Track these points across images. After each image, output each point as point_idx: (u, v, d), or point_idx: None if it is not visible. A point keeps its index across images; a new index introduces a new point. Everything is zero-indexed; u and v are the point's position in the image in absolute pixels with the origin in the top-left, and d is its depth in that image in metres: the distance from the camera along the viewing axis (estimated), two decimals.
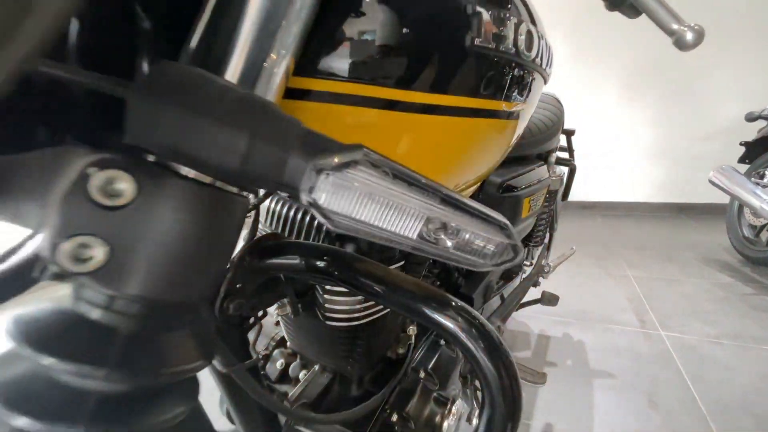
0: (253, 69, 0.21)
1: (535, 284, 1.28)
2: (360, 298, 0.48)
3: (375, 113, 0.32)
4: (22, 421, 0.15)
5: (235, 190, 0.21)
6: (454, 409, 0.61)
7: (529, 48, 0.38)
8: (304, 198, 0.17)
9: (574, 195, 3.81)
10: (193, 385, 0.22)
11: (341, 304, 0.48)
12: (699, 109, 3.52)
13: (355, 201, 0.17)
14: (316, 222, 0.46)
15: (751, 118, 2.53)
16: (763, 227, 2.40)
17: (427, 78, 0.32)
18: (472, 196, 0.71)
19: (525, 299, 1.32)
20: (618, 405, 1.23)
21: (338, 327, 0.52)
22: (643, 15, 0.38)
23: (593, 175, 3.85)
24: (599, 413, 1.20)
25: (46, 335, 0.15)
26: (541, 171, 1.02)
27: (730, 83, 3.39)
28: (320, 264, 0.34)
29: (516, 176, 0.85)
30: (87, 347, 0.16)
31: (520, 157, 1.00)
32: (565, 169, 1.37)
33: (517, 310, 1.39)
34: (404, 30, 0.30)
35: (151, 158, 0.17)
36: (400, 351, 0.66)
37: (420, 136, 0.35)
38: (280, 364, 0.66)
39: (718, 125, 3.46)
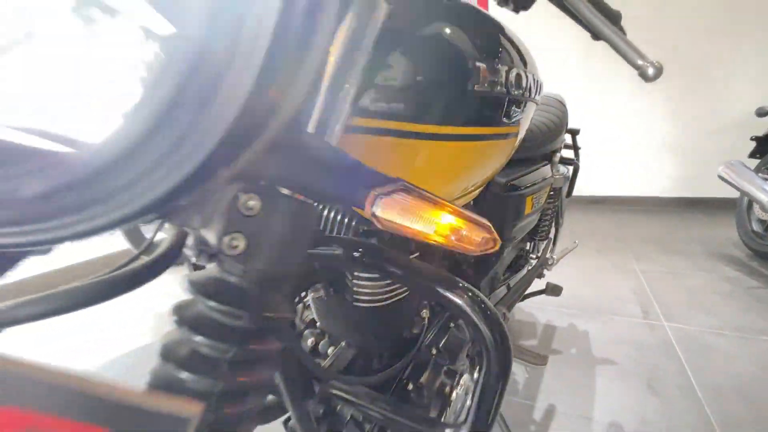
0: (330, 119, 0.30)
1: (540, 276, 1.36)
2: (383, 282, 0.58)
3: (401, 141, 0.42)
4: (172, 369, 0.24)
5: (315, 203, 0.30)
6: (462, 381, 0.70)
7: (518, 87, 0.47)
8: (368, 211, 0.26)
9: (585, 190, 3.85)
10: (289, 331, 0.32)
11: (368, 288, 0.58)
12: (711, 103, 3.51)
13: (396, 212, 0.26)
14: (347, 220, 0.55)
15: (761, 113, 2.54)
16: None
17: (439, 114, 0.41)
18: (478, 196, 0.80)
19: (531, 290, 1.40)
20: (618, 390, 1.31)
21: (364, 308, 0.61)
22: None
23: (604, 170, 3.87)
24: (599, 397, 1.28)
25: (210, 290, 0.25)
26: (544, 170, 1.10)
27: (743, 78, 3.38)
28: (354, 254, 0.44)
29: (520, 176, 0.93)
30: (231, 297, 0.25)
31: (525, 158, 1.08)
32: (570, 168, 1.44)
33: (523, 300, 1.48)
34: (419, 78, 0.39)
35: (270, 185, 0.27)
36: (415, 331, 0.75)
37: (436, 157, 0.45)
38: (310, 341, 0.76)
39: (730, 120, 3.45)
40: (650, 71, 0.42)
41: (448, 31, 0.42)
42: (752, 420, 1.15)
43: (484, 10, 0.49)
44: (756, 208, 2.54)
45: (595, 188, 3.97)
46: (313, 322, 0.80)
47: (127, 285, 0.27)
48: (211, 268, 0.26)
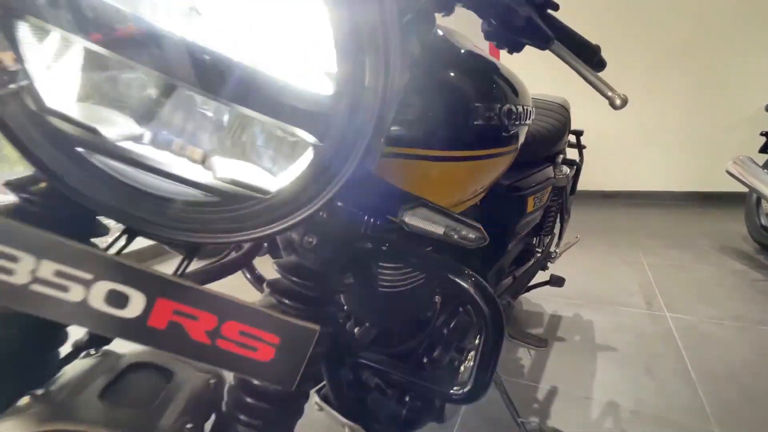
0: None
1: (544, 268, 1.47)
2: (404, 270, 0.70)
3: (417, 162, 0.54)
4: None
5: (360, 213, 0.42)
6: (469, 356, 0.83)
7: (510, 118, 0.59)
8: (399, 220, 0.38)
9: (597, 185, 3.89)
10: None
11: (391, 276, 0.70)
12: (724, 98, 3.52)
13: (418, 219, 0.38)
14: (378, 222, 0.69)
15: None
16: None
17: (446, 141, 0.53)
18: (486, 196, 0.91)
19: (536, 281, 1.51)
20: (617, 373, 1.42)
21: (387, 293, 0.74)
22: None
23: (616, 165, 3.91)
24: (599, 379, 1.39)
25: (292, 270, 0.38)
26: (546, 171, 1.21)
27: (756, 73, 3.37)
28: (383, 247, 0.56)
29: (522, 178, 1.04)
30: (307, 275, 0.38)
31: (529, 161, 1.19)
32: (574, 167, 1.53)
33: (528, 291, 1.59)
34: (430, 114, 0.52)
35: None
36: (429, 314, 0.88)
37: (445, 174, 0.58)
38: (340, 321, 0.89)
39: (742, 114, 3.45)
40: (617, 102, 0.53)
41: (453, 75, 0.54)
42: (741, 401, 1.25)
43: (484, 54, 0.60)
44: (764, 203, 2.58)
45: (608, 183, 4.01)
46: (340, 306, 0.93)
47: (234, 267, 0.40)
48: (291, 257, 0.39)
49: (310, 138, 0.25)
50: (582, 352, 1.55)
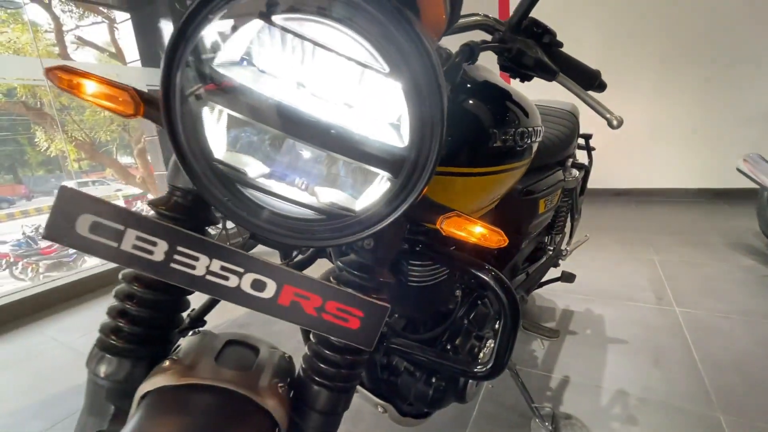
0: None
1: (555, 265, 1.56)
2: (431, 267, 0.81)
3: (445, 178, 0.65)
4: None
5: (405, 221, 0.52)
6: (488, 344, 0.93)
7: (523, 138, 0.69)
8: (438, 226, 0.49)
9: (607, 183, 3.93)
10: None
11: (419, 272, 0.81)
12: (734, 95, 3.53)
13: (453, 226, 0.49)
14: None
15: None
16: None
17: (468, 160, 0.64)
18: (502, 200, 1.01)
19: (548, 278, 1.60)
20: (626, 364, 1.50)
21: (415, 287, 0.84)
22: None
23: (628, 162, 3.95)
24: (609, 369, 1.47)
25: (354, 265, 0.49)
26: (557, 175, 1.30)
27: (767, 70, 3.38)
28: (416, 248, 0.67)
29: (534, 182, 1.14)
30: (366, 269, 0.49)
31: (541, 166, 1.28)
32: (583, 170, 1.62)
33: (540, 286, 1.68)
34: (451, 138, 0.63)
35: None
36: (451, 306, 0.98)
37: (468, 187, 0.68)
38: None
39: (756, 110, 3.46)
40: (614, 123, 0.63)
41: (475, 105, 0.65)
42: (744, 388, 1.32)
43: (500, 83, 0.71)
44: None
45: (619, 181, 4.05)
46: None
47: (309, 263, 0.51)
48: (351, 255, 0.50)
49: (387, 175, 0.36)
50: (593, 344, 1.64)
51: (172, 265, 0.37)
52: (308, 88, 0.35)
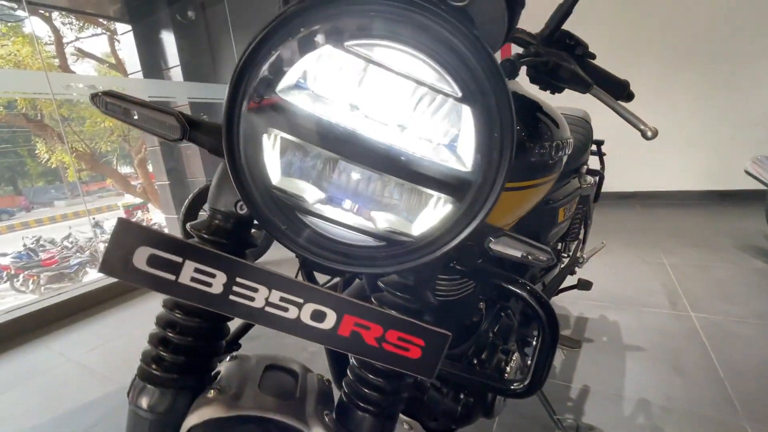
0: None
1: (572, 272, 1.54)
2: (458, 281, 0.79)
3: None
4: None
5: None
6: (514, 357, 0.92)
7: (557, 151, 0.68)
8: (486, 246, 0.47)
9: (616, 186, 3.93)
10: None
11: (446, 286, 0.80)
12: (743, 95, 3.53)
13: (501, 246, 0.48)
14: None
15: None
16: None
17: (511, 175, 0.63)
18: None
19: (564, 285, 1.59)
20: (646, 371, 1.48)
21: (441, 301, 0.83)
22: None
23: (634, 165, 3.94)
24: (629, 377, 1.45)
25: (397, 287, 0.48)
26: (573, 183, 1.29)
27: None
28: (450, 264, 0.66)
29: (553, 192, 1.13)
30: (407, 290, 0.48)
31: (560, 175, 1.27)
32: (596, 177, 1.61)
33: (557, 294, 1.67)
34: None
35: None
36: (475, 319, 0.97)
37: (507, 200, 0.67)
38: None
39: (762, 112, 3.47)
40: (649, 134, 0.62)
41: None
42: None
43: (533, 97, 0.70)
44: None
45: (626, 184, 4.04)
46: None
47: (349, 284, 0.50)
48: (393, 276, 0.48)
49: (449, 198, 0.35)
50: (610, 352, 1.62)
51: (231, 297, 0.35)
52: (361, 110, 0.34)
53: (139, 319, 2.45)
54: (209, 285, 0.35)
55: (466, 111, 0.33)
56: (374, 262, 0.37)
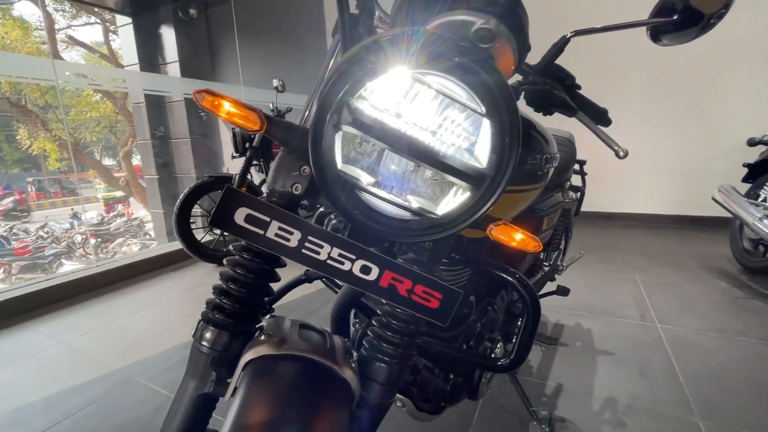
0: None
1: (552, 279, 1.68)
2: (456, 269, 0.90)
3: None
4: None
5: None
6: (499, 345, 1.03)
7: (545, 164, 0.81)
8: (488, 233, 0.58)
9: (595, 206, 4.14)
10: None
11: (444, 273, 0.90)
12: (710, 131, 3.81)
13: (500, 233, 0.59)
14: None
15: (752, 143, 2.83)
16: (759, 240, 2.70)
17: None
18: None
19: (544, 291, 1.72)
20: (615, 373, 1.61)
21: None
22: None
23: (612, 189, 4.17)
24: (599, 377, 1.58)
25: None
26: (557, 196, 1.43)
27: (739, 109, 3.67)
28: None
29: (539, 202, 1.26)
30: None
31: (544, 188, 1.41)
32: (578, 193, 1.76)
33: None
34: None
35: None
36: (465, 311, 1.08)
37: (504, 202, 0.79)
38: None
39: (730, 145, 3.73)
40: (621, 153, 0.75)
41: None
42: (721, 399, 1.45)
43: (528, 117, 0.82)
44: (746, 228, 2.82)
45: (604, 205, 4.26)
46: None
47: None
48: (410, 254, 0.59)
49: (468, 187, 0.46)
50: (583, 355, 1.75)
51: (303, 251, 0.46)
52: (404, 117, 0.46)
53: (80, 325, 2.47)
54: (288, 240, 0.45)
55: (485, 123, 0.44)
56: (408, 232, 0.47)
